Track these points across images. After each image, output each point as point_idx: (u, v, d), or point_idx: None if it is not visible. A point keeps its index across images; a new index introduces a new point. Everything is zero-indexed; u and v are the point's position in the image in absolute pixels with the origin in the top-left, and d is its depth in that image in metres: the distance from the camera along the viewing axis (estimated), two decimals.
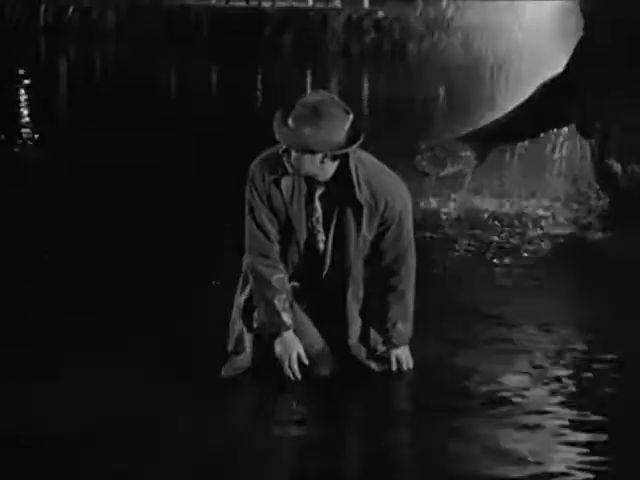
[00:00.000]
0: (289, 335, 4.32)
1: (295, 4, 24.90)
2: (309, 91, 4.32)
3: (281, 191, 4.28)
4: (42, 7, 26.07)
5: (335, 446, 4.05)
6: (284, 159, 4.21)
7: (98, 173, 8.86)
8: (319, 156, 4.15)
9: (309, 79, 18.58)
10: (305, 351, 4.36)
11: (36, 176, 9.16)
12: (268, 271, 4.29)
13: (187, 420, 4.10)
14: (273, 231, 4.32)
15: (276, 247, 4.32)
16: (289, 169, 4.23)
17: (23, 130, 11.58)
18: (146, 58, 20.66)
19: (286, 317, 4.30)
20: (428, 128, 9.64)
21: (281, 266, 4.32)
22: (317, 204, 4.30)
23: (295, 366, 4.33)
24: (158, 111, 13.26)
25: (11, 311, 5.32)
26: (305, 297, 4.43)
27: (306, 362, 4.33)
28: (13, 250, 6.51)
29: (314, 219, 4.32)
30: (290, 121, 4.14)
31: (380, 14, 22.72)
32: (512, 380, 4.64)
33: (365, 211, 4.29)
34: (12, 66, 18.33)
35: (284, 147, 4.20)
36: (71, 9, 25.79)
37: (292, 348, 4.32)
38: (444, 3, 23.30)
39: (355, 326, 4.46)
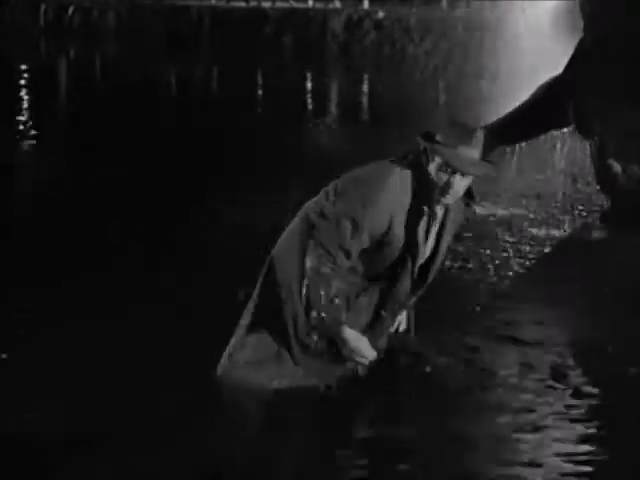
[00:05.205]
0: (351, 332, 4.22)
1: (295, 4, 24.93)
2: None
3: (417, 220, 4.19)
4: (42, 7, 26.08)
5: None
6: (436, 187, 4.13)
7: (98, 172, 8.86)
8: (471, 178, 4.16)
9: (309, 79, 18.59)
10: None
11: (36, 175, 9.17)
12: (334, 274, 4.17)
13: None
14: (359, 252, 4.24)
15: (348, 264, 4.23)
16: (443, 198, 4.16)
17: (23, 129, 11.59)
18: (146, 58, 20.66)
19: (344, 312, 4.22)
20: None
21: (342, 272, 4.22)
22: (434, 228, 4.29)
23: (371, 357, 4.27)
24: (158, 111, 13.26)
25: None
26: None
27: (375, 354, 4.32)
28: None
29: (429, 241, 4.30)
30: (471, 148, 4.09)
31: (380, 14, 22.75)
32: (511, 380, 4.65)
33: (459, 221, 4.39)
34: (13, 66, 18.34)
35: (432, 175, 4.11)
36: (71, 9, 25.81)
37: (359, 339, 4.24)
38: (444, 3, 23.37)
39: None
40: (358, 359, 4.26)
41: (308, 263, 4.17)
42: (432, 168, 4.12)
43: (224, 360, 4.40)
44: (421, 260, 4.30)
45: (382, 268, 4.27)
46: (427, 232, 4.26)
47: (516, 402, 4.42)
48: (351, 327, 4.24)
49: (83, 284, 5.75)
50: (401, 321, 4.52)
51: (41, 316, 5.25)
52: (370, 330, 4.34)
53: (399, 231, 4.16)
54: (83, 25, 25.37)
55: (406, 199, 4.15)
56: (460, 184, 4.12)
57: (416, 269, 4.29)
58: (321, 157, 9.10)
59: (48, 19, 26.05)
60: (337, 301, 4.18)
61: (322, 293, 4.17)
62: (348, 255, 4.15)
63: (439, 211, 4.24)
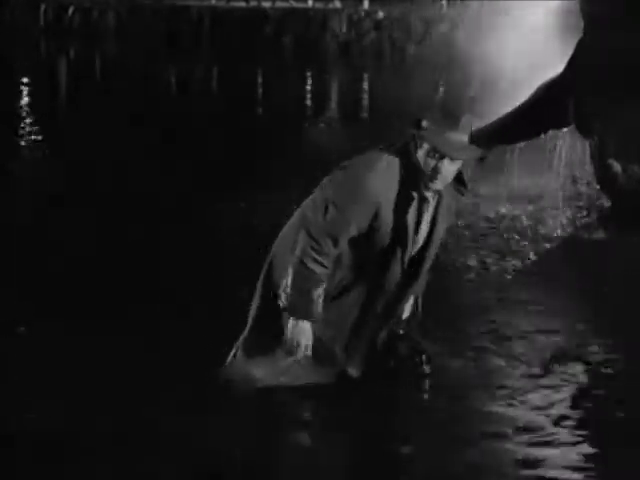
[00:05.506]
0: (307, 325, 4.26)
1: (295, 4, 24.93)
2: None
3: (406, 207, 4.17)
4: (42, 7, 26.07)
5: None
6: (425, 173, 4.12)
7: (97, 172, 8.86)
8: (460, 163, 4.17)
9: (309, 79, 18.59)
10: (337, 348, 4.35)
11: (36, 175, 9.17)
12: (317, 266, 4.20)
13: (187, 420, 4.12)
14: (347, 241, 4.21)
15: (337, 253, 4.23)
16: (431, 184, 4.15)
17: (23, 130, 11.59)
18: (146, 58, 20.66)
19: (316, 309, 4.25)
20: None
21: (329, 266, 4.24)
22: (426, 215, 4.28)
23: (301, 354, 4.29)
24: (158, 111, 13.26)
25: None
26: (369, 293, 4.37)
27: (309, 354, 4.31)
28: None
29: (421, 229, 4.28)
30: (459, 133, 4.10)
31: (380, 14, 22.75)
32: (513, 381, 4.64)
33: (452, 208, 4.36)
34: (12, 66, 18.34)
35: (422, 161, 4.11)
36: (71, 9, 25.80)
37: (305, 338, 4.27)
38: (444, 3, 23.37)
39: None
40: (292, 350, 4.26)
41: (297, 252, 4.19)
42: (421, 154, 4.13)
43: (231, 357, 4.41)
44: (412, 248, 4.28)
45: (372, 257, 4.26)
46: (419, 219, 4.25)
47: (518, 412, 4.39)
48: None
49: (83, 284, 5.75)
50: (405, 308, 4.51)
51: (41, 316, 5.25)
52: (364, 324, 4.34)
53: (387, 217, 4.17)
54: (83, 25, 25.36)
55: (393, 185, 4.15)
56: (449, 169, 4.13)
57: (406, 257, 4.27)
58: (321, 157, 9.09)
59: (48, 19, 26.04)
60: (314, 295, 4.19)
61: (302, 284, 4.19)
62: (336, 243, 4.16)
63: (431, 198, 4.24)
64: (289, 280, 4.21)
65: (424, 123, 4.12)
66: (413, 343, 4.48)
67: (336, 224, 4.14)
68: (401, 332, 4.48)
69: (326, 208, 4.16)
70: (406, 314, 4.51)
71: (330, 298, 4.27)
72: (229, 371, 4.40)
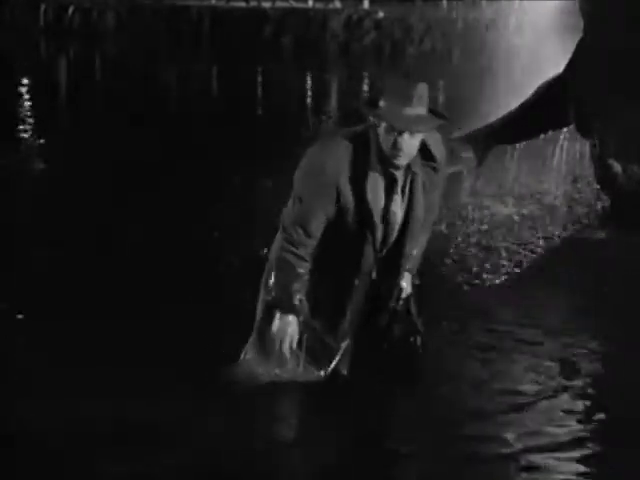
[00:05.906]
0: (292, 319, 4.30)
1: (295, 4, 24.94)
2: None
3: (364, 186, 4.19)
4: (42, 7, 26.07)
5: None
6: (386, 150, 4.13)
7: (98, 173, 8.86)
8: (420, 136, 4.15)
9: (309, 79, 18.59)
10: (330, 339, 4.37)
11: (36, 175, 9.17)
12: (294, 259, 4.25)
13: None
14: (320, 228, 4.25)
15: (314, 242, 4.28)
16: (396, 161, 4.15)
17: (23, 129, 11.58)
18: (146, 58, 20.67)
19: (297, 302, 4.29)
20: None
21: (308, 258, 4.28)
22: (397, 194, 4.26)
23: (287, 347, 4.32)
24: (158, 111, 13.27)
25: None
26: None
27: (293, 348, 4.33)
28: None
29: (392, 210, 4.27)
30: (414, 107, 4.10)
31: (380, 14, 22.77)
32: (513, 383, 4.65)
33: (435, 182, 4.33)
34: (12, 66, 18.34)
35: (383, 135, 4.11)
36: (71, 9, 25.80)
37: (290, 331, 4.31)
38: (444, 3, 23.38)
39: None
40: (278, 343, 4.29)
41: (273, 252, 4.26)
42: (381, 132, 4.13)
43: (242, 356, 4.45)
44: (389, 230, 4.27)
45: (346, 243, 4.26)
46: (389, 200, 4.23)
47: (518, 412, 4.39)
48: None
49: (83, 285, 5.75)
50: (404, 287, 4.46)
51: (41, 316, 5.25)
52: (344, 312, 4.35)
53: (349, 197, 4.18)
54: (83, 25, 25.36)
55: (351, 165, 4.16)
56: (410, 143, 4.11)
57: (377, 239, 4.27)
58: None
59: (48, 19, 26.03)
60: (294, 288, 4.24)
61: (283, 278, 4.25)
62: (307, 232, 4.19)
63: (400, 177, 4.23)
64: (273, 276, 4.27)
65: (380, 102, 4.13)
66: (408, 323, 4.46)
67: (304, 214, 4.19)
68: (398, 308, 4.45)
69: (293, 200, 4.23)
70: (406, 292, 4.47)
71: (314, 289, 4.29)
72: (237, 371, 4.42)
